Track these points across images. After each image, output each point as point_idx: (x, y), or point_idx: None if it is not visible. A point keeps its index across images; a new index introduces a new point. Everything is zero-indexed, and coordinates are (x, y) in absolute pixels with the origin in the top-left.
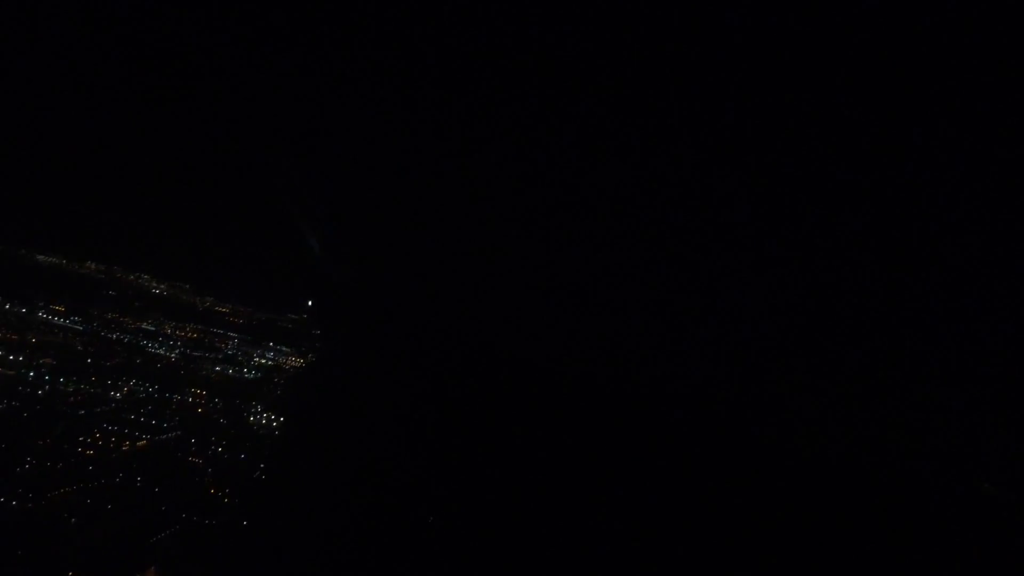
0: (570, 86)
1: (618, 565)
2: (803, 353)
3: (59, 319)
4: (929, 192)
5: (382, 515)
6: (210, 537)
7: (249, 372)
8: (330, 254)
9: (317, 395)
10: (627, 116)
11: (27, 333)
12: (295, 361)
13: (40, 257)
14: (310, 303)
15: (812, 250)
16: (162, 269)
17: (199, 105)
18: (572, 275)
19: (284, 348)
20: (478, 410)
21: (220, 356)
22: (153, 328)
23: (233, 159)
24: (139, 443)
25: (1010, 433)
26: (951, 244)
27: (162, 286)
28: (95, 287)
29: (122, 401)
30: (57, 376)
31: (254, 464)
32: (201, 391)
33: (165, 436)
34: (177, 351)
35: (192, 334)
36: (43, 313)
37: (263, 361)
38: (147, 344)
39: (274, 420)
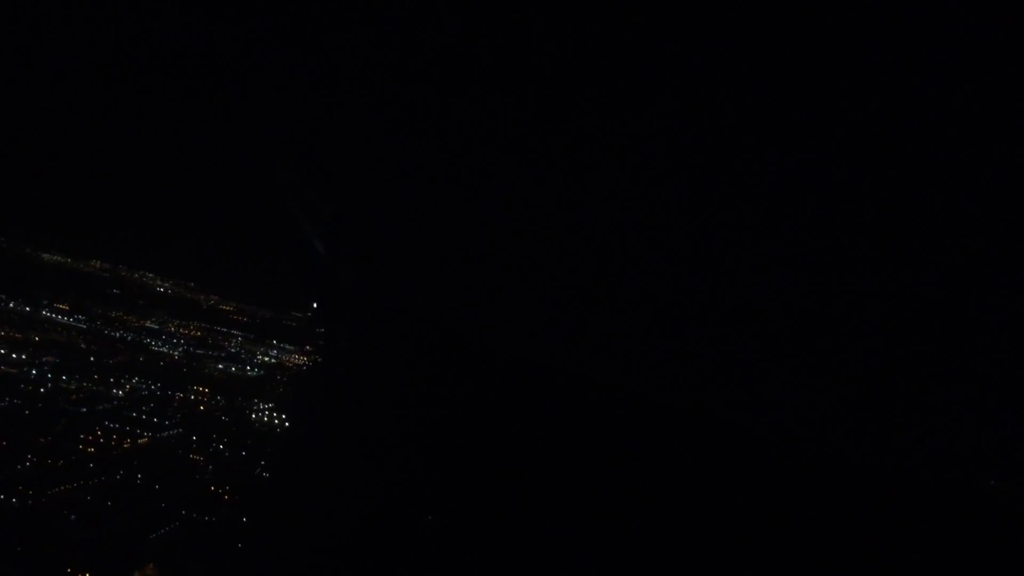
0: (573, 86)
1: (619, 565)
2: (803, 351)
3: (63, 317)
4: (929, 192)
5: (383, 514)
6: (210, 534)
7: (252, 370)
8: (336, 254)
9: (320, 393)
10: (628, 116)
11: (30, 331)
12: (298, 359)
13: (45, 255)
14: (315, 304)
15: (812, 249)
16: (167, 268)
17: (205, 104)
18: (577, 277)
19: (287, 346)
20: (482, 410)
21: (223, 354)
22: (157, 326)
23: (240, 158)
24: (140, 440)
25: (1015, 429)
26: (951, 244)
27: (167, 284)
28: (100, 285)
29: (124, 399)
30: (59, 374)
31: (255, 461)
32: (203, 389)
33: (166, 433)
34: (180, 349)
35: (196, 332)
36: (47, 311)
37: (266, 359)
38: (150, 342)
39: (276, 417)
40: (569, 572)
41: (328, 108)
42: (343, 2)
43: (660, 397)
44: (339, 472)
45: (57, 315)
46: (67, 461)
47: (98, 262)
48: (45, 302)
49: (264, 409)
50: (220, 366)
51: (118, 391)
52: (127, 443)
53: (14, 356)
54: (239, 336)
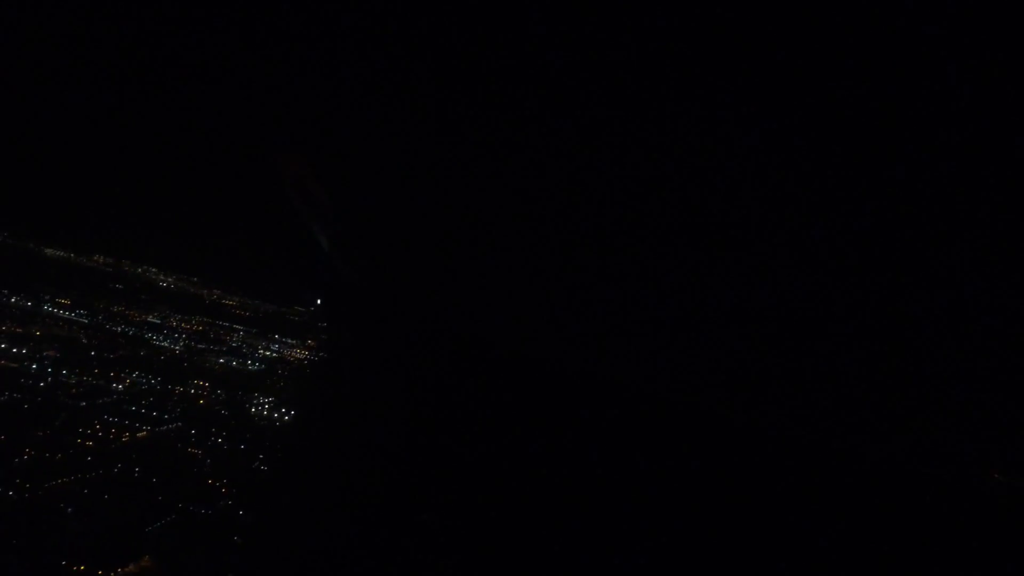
0: (576, 84)
1: (618, 565)
2: (803, 350)
3: (65, 312)
4: (929, 192)
5: (382, 510)
6: (206, 526)
7: (253, 364)
8: (339, 250)
9: (321, 388)
10: (628, 116)
11: (32, 326)
12: (299, 353)
13: (48, 251)
14: (319, 300)
15: (811, 249)
16: (170, 262)
17: (210, 99)
18: (581, 276)
19: (289, 340)
20: (485, 408)
21: (224, 348)
22: (159, 321)
23: (244, 153)
24: (139, 434)
25: (1018, 421)
26: (950, 244)
27: (170, 279)
28: (103, 280)
29: (124, 393)
30: (60, 368)
31: (253, 455)
32: (204, 383)
33: (165, 427)
34: (181, 343)
35: (197, 327)
36: (49, 306)
37: (268, 353)
38: (152, 337)
39: (275, 411)
40: (570, 572)
41: (333, 101)
42: (350, 2)
43: (662, 395)
44: (339, 467)
45: (59, 310)
46: (65, 455)
47: (101, 257)
48: (47, 297)
49: (264, 403)
50: (221, 360)
51: (118, 385)
52: (126, 437)
53: (15, 351)
54: (241, 330)
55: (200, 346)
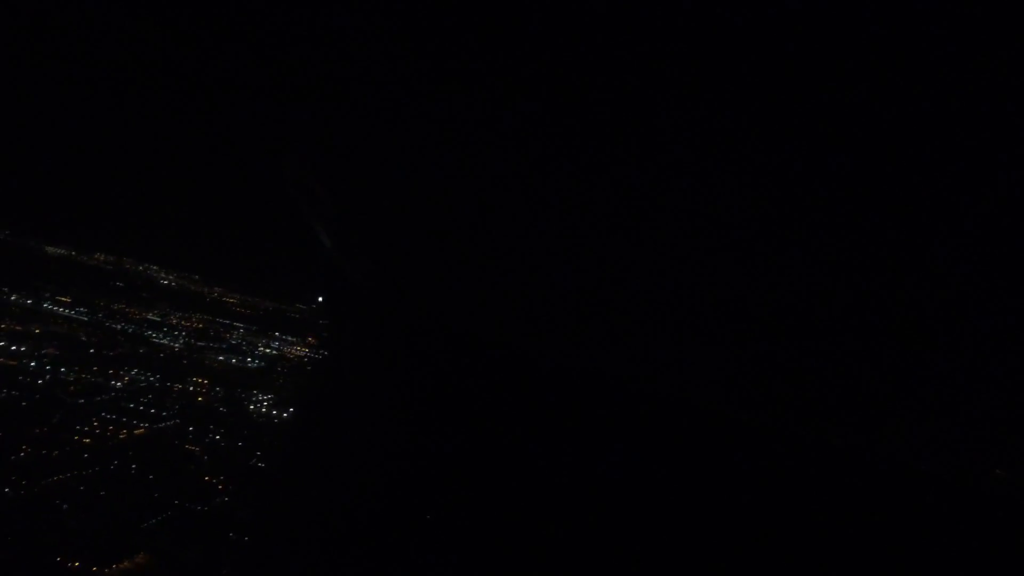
0: (579, 82)
1: (619, 565)
2: (803, 348)
3: (65, 310)
4: (929, 192)
5: (380, 509)
6: (202, 523)
7: (253, 361)
8: (341, 247)
9: (320, 385)
10: (630, 116)
11: (31, 323)
12: (300, 350)
13: (49, 248)
14: (320, 298)
15: (811, 249)
16: (172, 260)
17: (212, 97)
18: (583, 275)
19: (290, 338)
20: (486, 407)
21: (224, 346)
22: (158, 318)
23: (246, 151)
24: (137, 431)
25: (1019, 419)
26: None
27: (171, 277)
28: (103, 278)
29: (122, 390)
30: (58, 366)
31: (251, 452)
32: (203, 380)
33: (163, 424)
34: (181, 341)
35: (198, 324)
36: (49, 304)
37: (267, 350)
38: (151, 334)
39: (274, 409)
40: (570, 572)
41: (335, 100)
42: (351, 2)
43: (665, 394)
44: (337, 465)
45: (59, 307)
46: (62, 452)
47: (103, 255)
48: (48, 295)
49: (263, 400)
50: (220, 358)
51: (116, 382)
52: (123, 434)
53: (13, 348)
54: (241, 328)
55: (200, 343)
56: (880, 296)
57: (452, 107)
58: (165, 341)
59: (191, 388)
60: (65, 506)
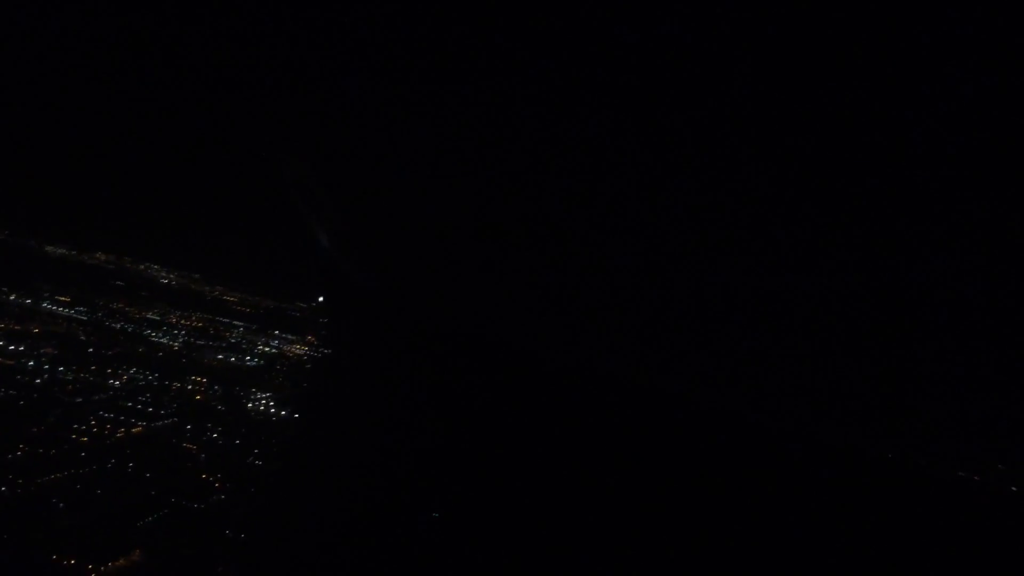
0: (578, 82)
1: (619, 565)
2: (804, 347)
3: (64, 309)
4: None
5: (378, 508)
6: (198, 521)
7: (251, 360)
8: (341, 248)
9: (320, 384)
10: (630, 116)
11: (30, 323)
12: (299, 349)
13: (49, 248)
14: (320, 297)
15: (811, 249)
16: (172, 259)
17: (212, 95)
18: (584, 274)
19: (289, 336)
20: (487, 407)
21: (224, 344)
22: (158, 317)
23: (247, 151)
24: (134, 429)
25: (1018, 421)
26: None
27: (172, 275)
28: (103, 277)
29: (120, 389)
30: (56, 365)
31: (249, 450)
32: (201, 378)
33: (161, 423)
34: (180, 339)
35: (197, 323)
36: (48, 303)
37: (267, 349)
38: (150, 333)
39: (272, 407)
40: (571, 572)
41: (335, 101)
42: (353, 1)
43: (667, 392)
44: (335, 464)
45: (58, 307)
46: (59, 450)
47: (103, 254)
48: (47, 294)
49: (261, 399)
50: (219, 356)
51: (114, 381)
52: (120, 432)
53: (11, 348)
54: (241, 326)
55: (199, 342)
56: (880, 296)
57: (452, 108)
58: (164, 340)
59: (189, 387)
60: (61, 504)
